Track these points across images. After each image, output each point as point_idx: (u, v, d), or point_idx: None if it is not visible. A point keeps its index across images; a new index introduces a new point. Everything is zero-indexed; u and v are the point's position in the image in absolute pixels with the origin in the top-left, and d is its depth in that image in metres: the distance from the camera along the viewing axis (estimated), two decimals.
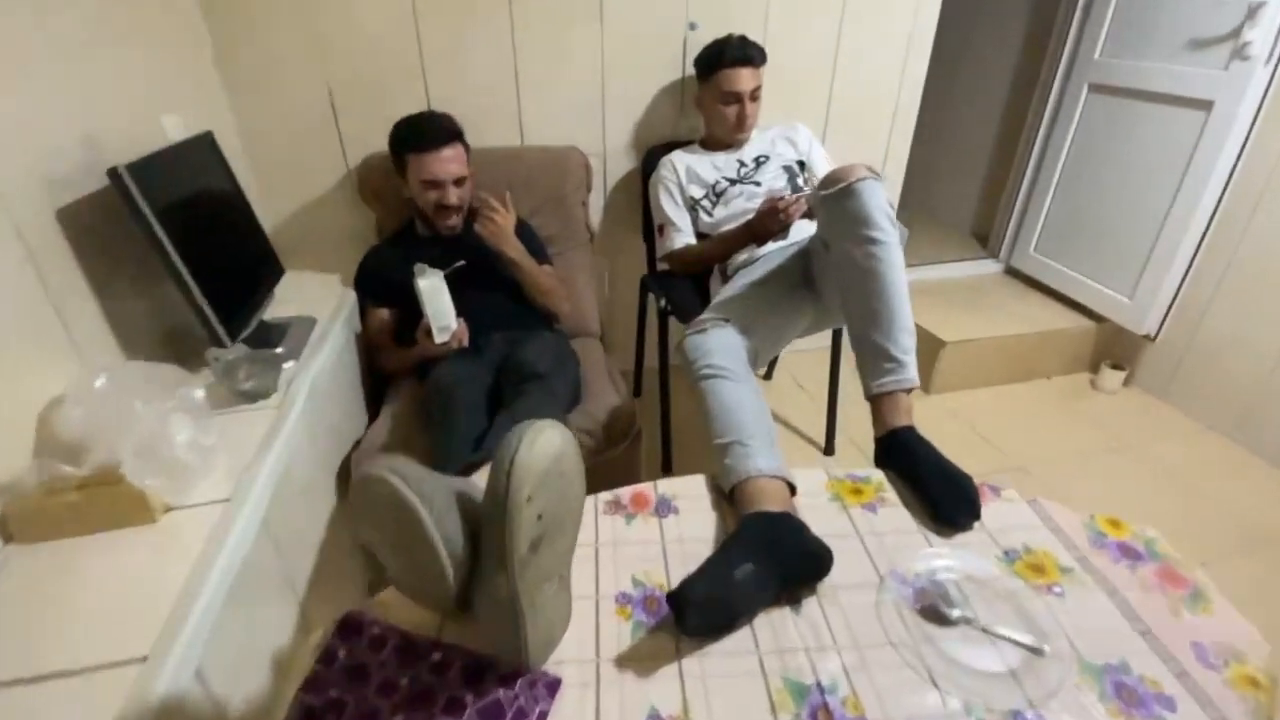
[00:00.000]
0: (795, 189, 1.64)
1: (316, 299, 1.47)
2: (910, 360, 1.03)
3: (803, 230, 1.47)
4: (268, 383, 1.11)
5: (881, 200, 1.07)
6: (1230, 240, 1.83)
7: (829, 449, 1.82)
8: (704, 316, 1.21)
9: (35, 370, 0.90)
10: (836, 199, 1.09)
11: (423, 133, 1.36)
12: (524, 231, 1.54)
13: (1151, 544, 0.88)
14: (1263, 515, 1.61)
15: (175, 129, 1.29)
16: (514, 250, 1.43)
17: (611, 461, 1.33)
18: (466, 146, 1.45)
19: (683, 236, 1.67)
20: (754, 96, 1.60)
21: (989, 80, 2.84)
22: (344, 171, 1.70)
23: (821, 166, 1.72)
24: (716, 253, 1.59)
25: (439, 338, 1.34)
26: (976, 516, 0.90)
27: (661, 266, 1.74)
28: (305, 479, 1.07)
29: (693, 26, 1.74)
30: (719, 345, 1.11)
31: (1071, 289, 2.26)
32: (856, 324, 1.09)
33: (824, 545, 0.81)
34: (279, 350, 1.23)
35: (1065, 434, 1.93)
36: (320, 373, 1.21)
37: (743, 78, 1.57)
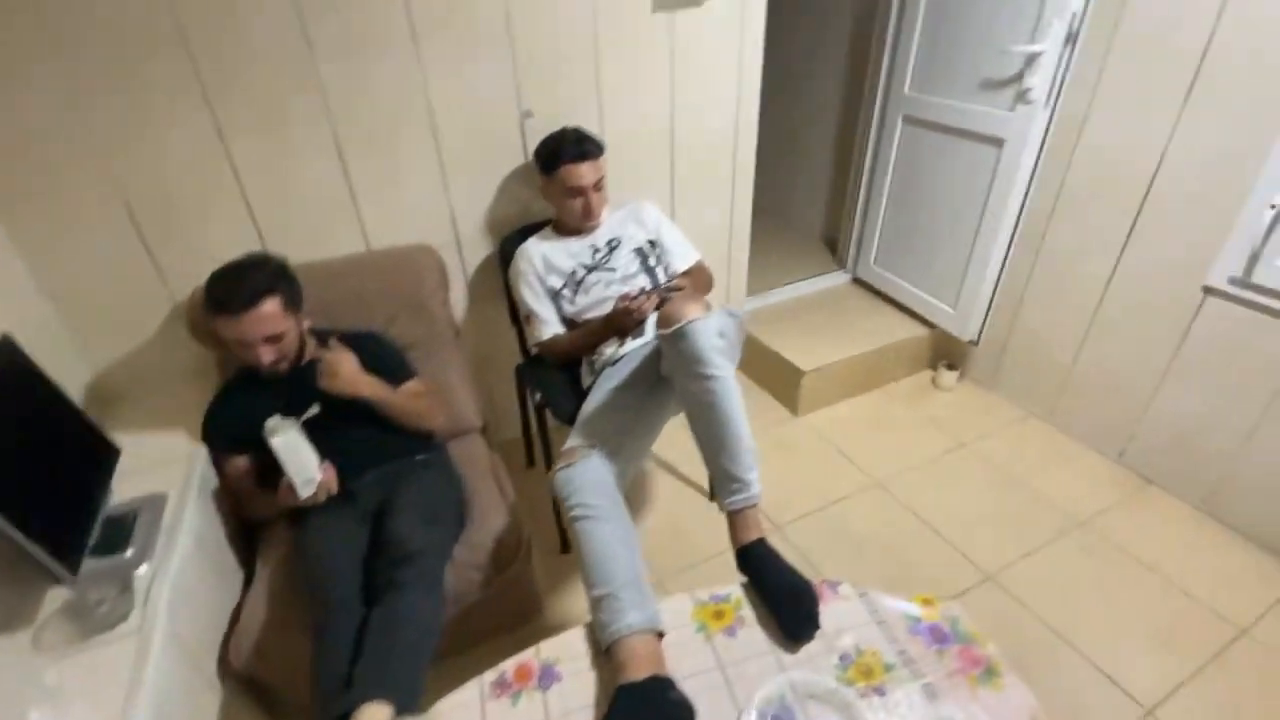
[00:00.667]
0: (648, 270, 1.71)
1: (163, 466, 1.39)
2: (752, 478, 1.15)
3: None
4: (122, 605, 1.06)
5: (711, 338, 1.16)
6: (1029, 255, 2.11)
7: (712, 495, 1.96)
8: (571, 444, 1.27)
9: None
10: (671, 340, 1.17)
11: (224, 298, 1.26)
12: (379, 350, 1.50)
13: (955, 623, 1.06)
14: (1075, 502, 1.91)
15: None
16: (367, 389, 1.39)
17: (504, 585, 1.39)
18: (286, 291, 1.33)
19: (549, 327, 1.71)
20: (598, 187, 1.65)
21: (826, 102, 3.02)
22: (169, 310, 1.57)
23: (672, 241, 1.80)
24: (582, 345, 1.65)
25: (303, 492, 1.29)
26: (817, 626, 1.04)
27: (535, 350, 1.77)
28: (183, 697, 1.05)
29: (528, 115, 1.74)
30: (586, 481, 1.18)
31: (907, 300, 2.51)
32: (703, 449, 1.20)
33: (686, 704, 0.92)
34: (128, 554, 1.16)
35: (914, 439, 2.18)
36: (181, 569, 1.16)
37: (582, 173, 1.60)
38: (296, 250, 1.52)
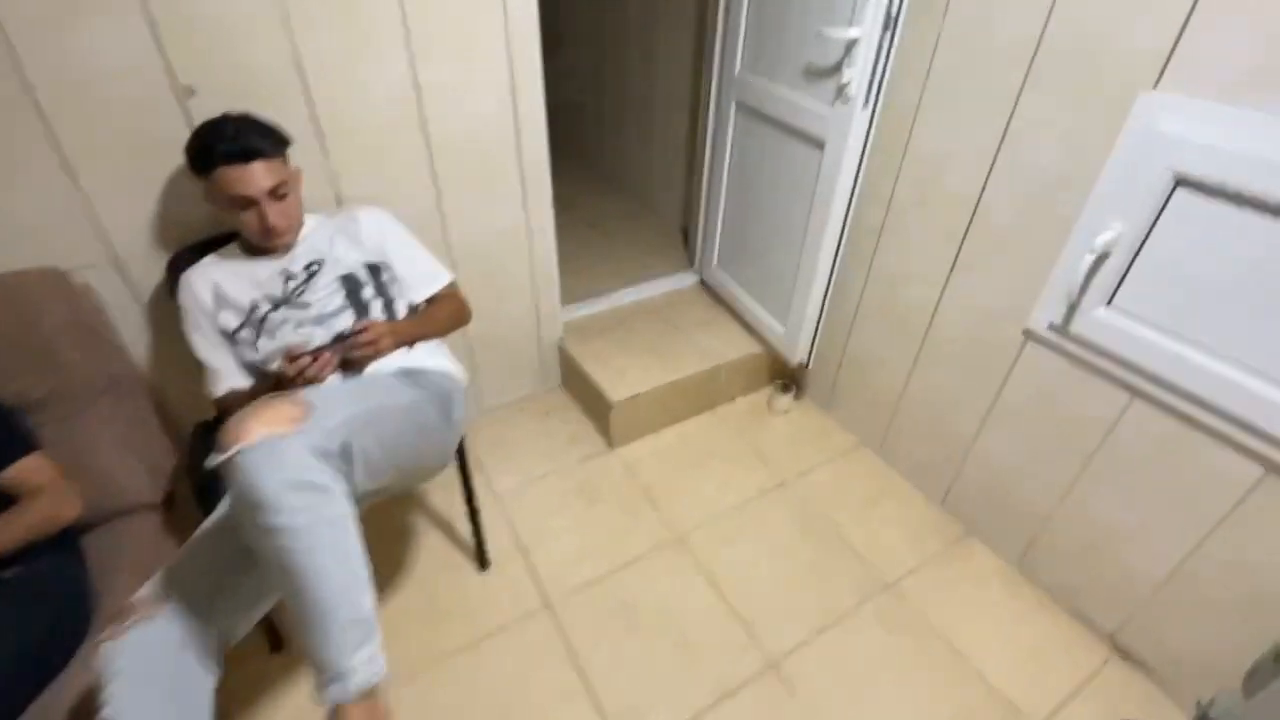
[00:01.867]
0: (357, 305, 1.33)
1: None
2: (354, 663, 0.83)
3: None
4: None
5: (283, 472, 0.81)
6: (860, 271, 1.85)
7: (483, 562, 1.65)
8: (140, 594, 0.91)
9: None
10: (226, 473, 0.82)
11: None
12: None
13: None
14: (887, 556, 1.71)
15: None
16: None
17: None
18: None
19: (224, 380, 1.31)
20: (278, 194, 1.23)
21: (679, 69, 2.64)
22: None
23: (405, 261, 1.42)
24: None
25: None
26: None
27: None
28: None
29: (190, 92, 1.30)
30: (129, 666, 0.83)
31: (742, 310, 2.23)
32: (294, 626, 0.86)
33: None
34: None
35: (732, 477, 1.93)
36: None
37: (248, 178, 1.19)
38: None
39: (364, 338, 1.20)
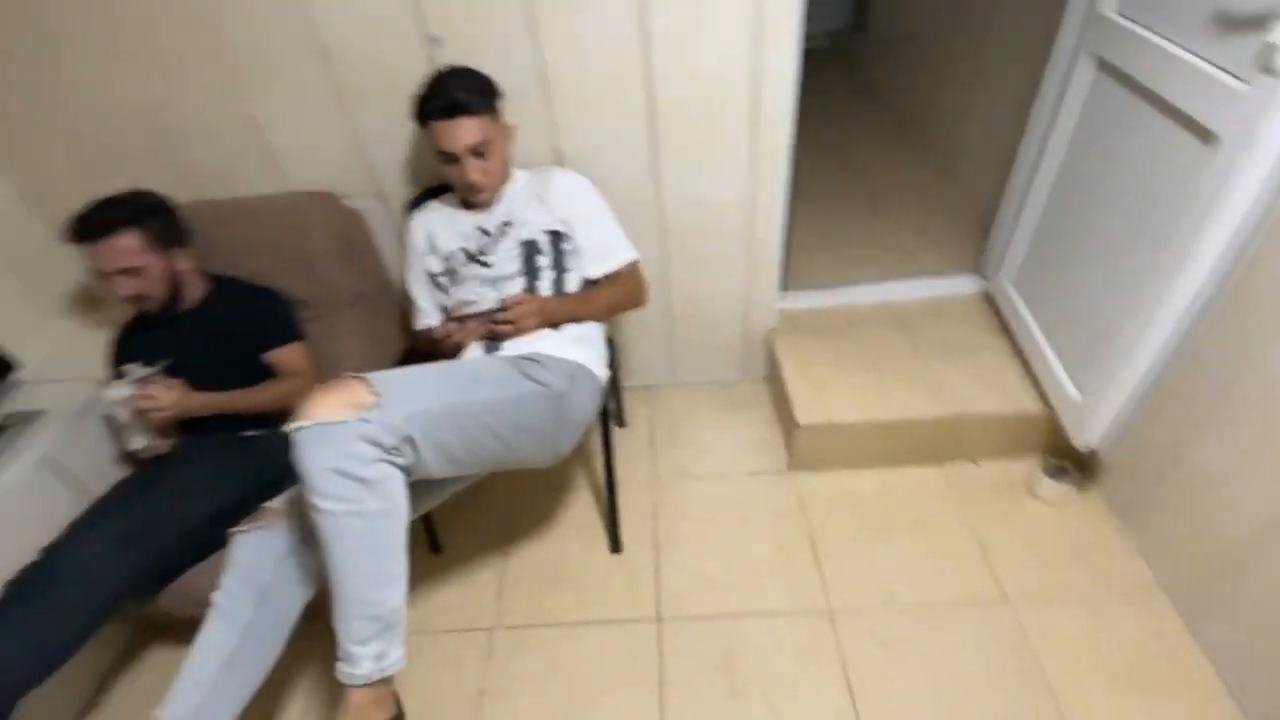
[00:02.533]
0: (530, 272, 1.31)
1: (67, 386, 1.52)
2: (363, 653, 0.84)
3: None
4: None
5: (328, 458, 0.82)
6: (1234, 347, 1.16)
7: (615, 545, 1.60)
8: (273, 503, 1.06)
9: None
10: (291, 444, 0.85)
11: (77, 225, 1.25)
12: (267, 308, 1.45)
13: None
14: None
15: None
16: (208, 406, 1.34)
17: None
18: (152, 227, 1.30)
19: (423, 317, 1.45)
20: (482, 152, 1.25)
21: (1024, 21, 1.95)
22: None
23: (588, 233, 1.34)
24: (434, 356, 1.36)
25: (133, 446, 1.34)
26: None
27: None
28: None
29: (436, 42, 1.36)
30: (245, 562, 0.98)
31: (1027, 348, 1.64)
32: None
33: None
34: None
35: (931, 563, 1.49)
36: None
37: (455, 133, 1.22)
38: (202, 184, 1.51)
39: (505, 315, 1.16)
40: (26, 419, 1.43)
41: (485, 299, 1.30)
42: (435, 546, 1.65)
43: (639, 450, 1.85)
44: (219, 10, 1.33)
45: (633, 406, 1.98)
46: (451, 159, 1.25)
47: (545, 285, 1.30)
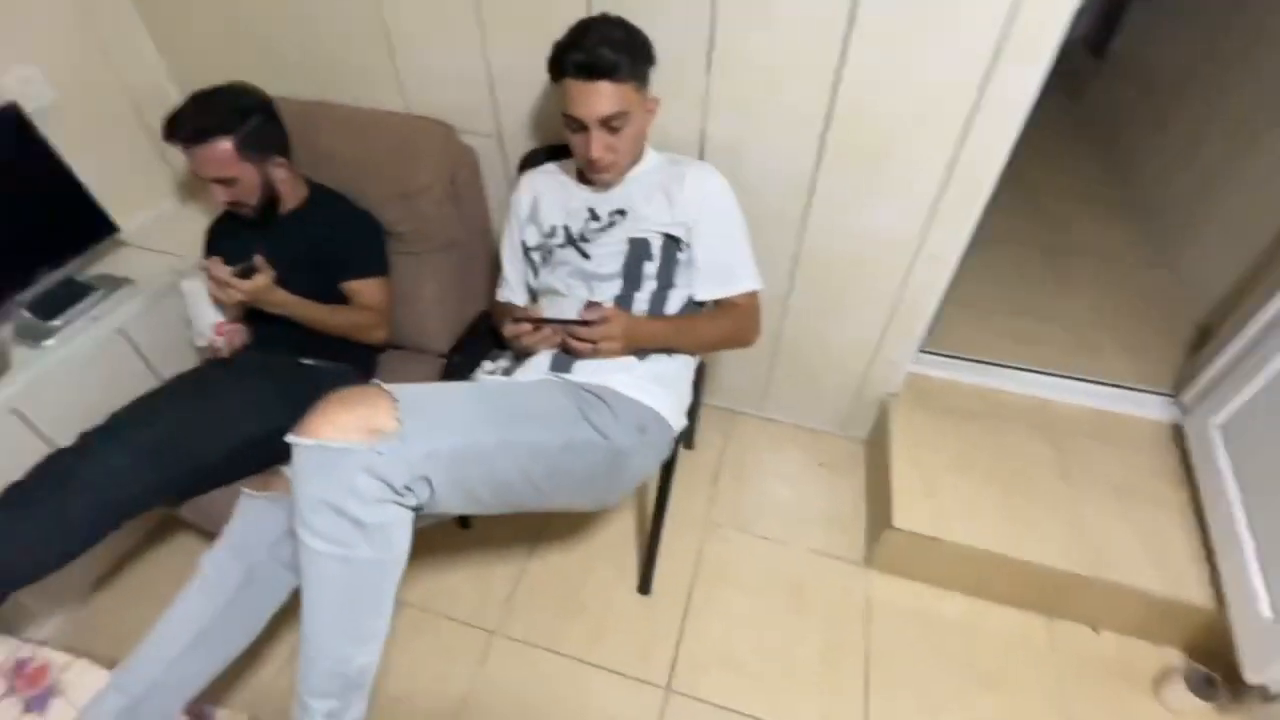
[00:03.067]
0: (630, 278, 1.11)
1: (159, 259, 1.51)
2: (316, 707, 0.74)
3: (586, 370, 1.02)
4: None
5: (324, 489, 0.69)
6: None
7: (644, 586, 1.44)
8: (288, 469, 0.95)
9: None
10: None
11: (172, 126, 1.17)
12: (351, 235, 1.36)
13: None
14: None
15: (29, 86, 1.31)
16: (283, 306, 1.27)
17: None
18: (246, 134, 1.21)
19: (507, 290, 1.30)
20: (613, 126, 1.04)
21: None
22: None
23: (709, 249, 1.12)
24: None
25: (197, 342, 1.32)
26: None
27: None
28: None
29: None
30: (246, 530, 0.89)
31: (1215, 519, 1.27)
32: None
33: None
34: (55, 321, 1.31)
35: None
36: (75, 355, 1.28)
37: (589, 98, 1.01)
38: (327, 83, 1.44)
39: (585, 331, 0.97)
40: (114, 284, 1.42)
41: (573, 296, 1.12)
42: (465, 520, 1.55)
43: (699, 483, 1.65)
44: None
45: (706, 429, 1.77)
46: (578, 126, 1.05)
47: (643, 299, 1.10)
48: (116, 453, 1.05)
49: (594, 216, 1.15)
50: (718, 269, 1.12)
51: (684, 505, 1.59)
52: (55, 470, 1.03)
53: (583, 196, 1.17)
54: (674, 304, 1.12)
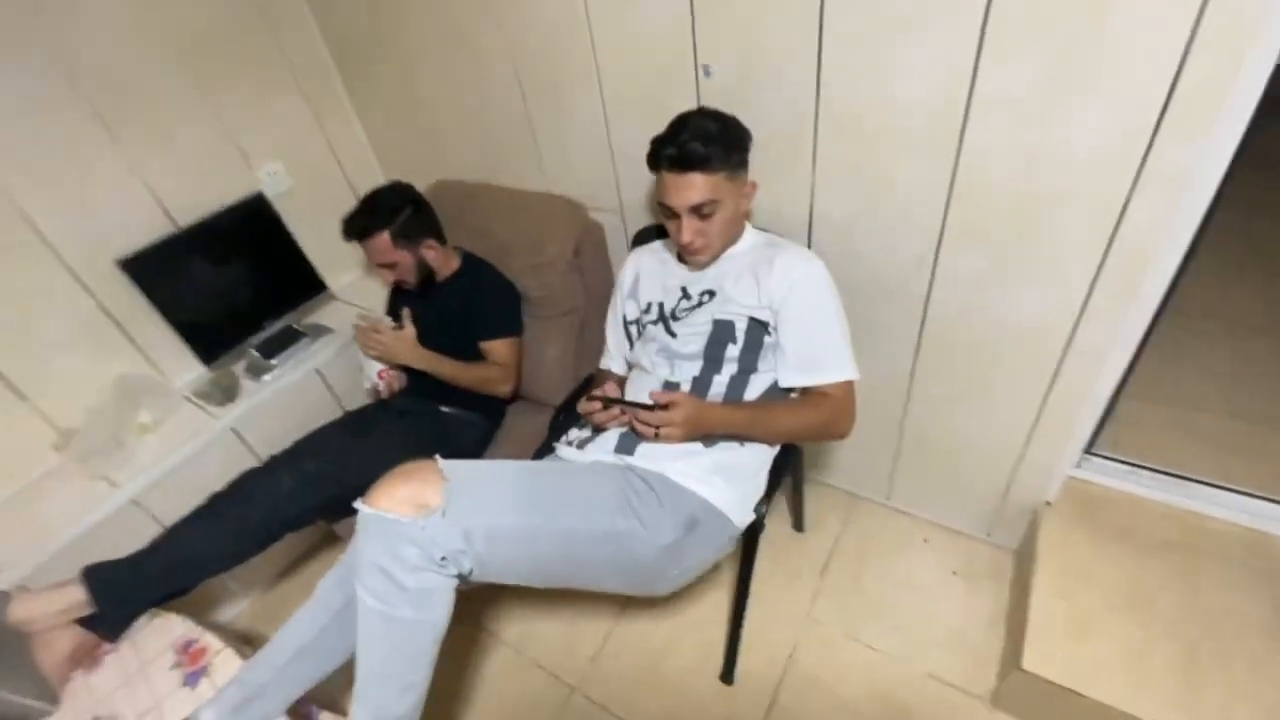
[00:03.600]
0: (711, 360, 1.10)
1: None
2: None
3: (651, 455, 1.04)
4: (220, 393, 1.57)
5: (377, 552, 0.78)
6: None
7: (727, 675, 1.37)
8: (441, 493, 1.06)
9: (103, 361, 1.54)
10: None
11: (344, 226, 1.43)
12: (489, 301, 1.54)
13: None
14: None
15: (274, 177, 1.72)
16: (419, 361, 1.47)
17: None
18: (400, 225, 1.42)
19: (607, 359, 1.37)
20: (704, 213, 1.07)
21: None
22: None
23: (797, 335, 1.07)
24: None
25: (365, 386, 1.57)
26: None
27: None
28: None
29: (707, 72, 1.18)
30: (353, 561, 1.03)
31: None
32: None
33: None
34: (273, 361, 1.66)
35: None
36: (282, 391, 1.62)
37: (678, 189, 1.06)
38: (487, 167, 1.67)
39: (649, 418, 0.98)
40: (319, 332, 1.76)
41: (655, 373, 1.14)
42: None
43: (805, 572, 1.54)
44: (519, 14, 1.34)
45: (822, 509, 1.65)
46: (671, 213, 1.09)
47: (721, 381, 1.08)
48: (287, 478, 1.29)
49: (685, 295, 1.17)
50: (804, 356, 1.06)
51: (784, 595, 1.49)
52: (243, 488, 1.30)
53: (679, 275, 1.20)
54: (755, 389, 1.08)
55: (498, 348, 1.53)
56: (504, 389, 1.54)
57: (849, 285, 1.25)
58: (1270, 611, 1.12)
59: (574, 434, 1.14)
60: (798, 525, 1.63)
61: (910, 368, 1.33)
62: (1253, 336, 1.72)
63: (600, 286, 1.65)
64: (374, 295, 1.84)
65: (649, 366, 1.16)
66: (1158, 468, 1.34)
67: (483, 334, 1.53)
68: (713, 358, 1.09)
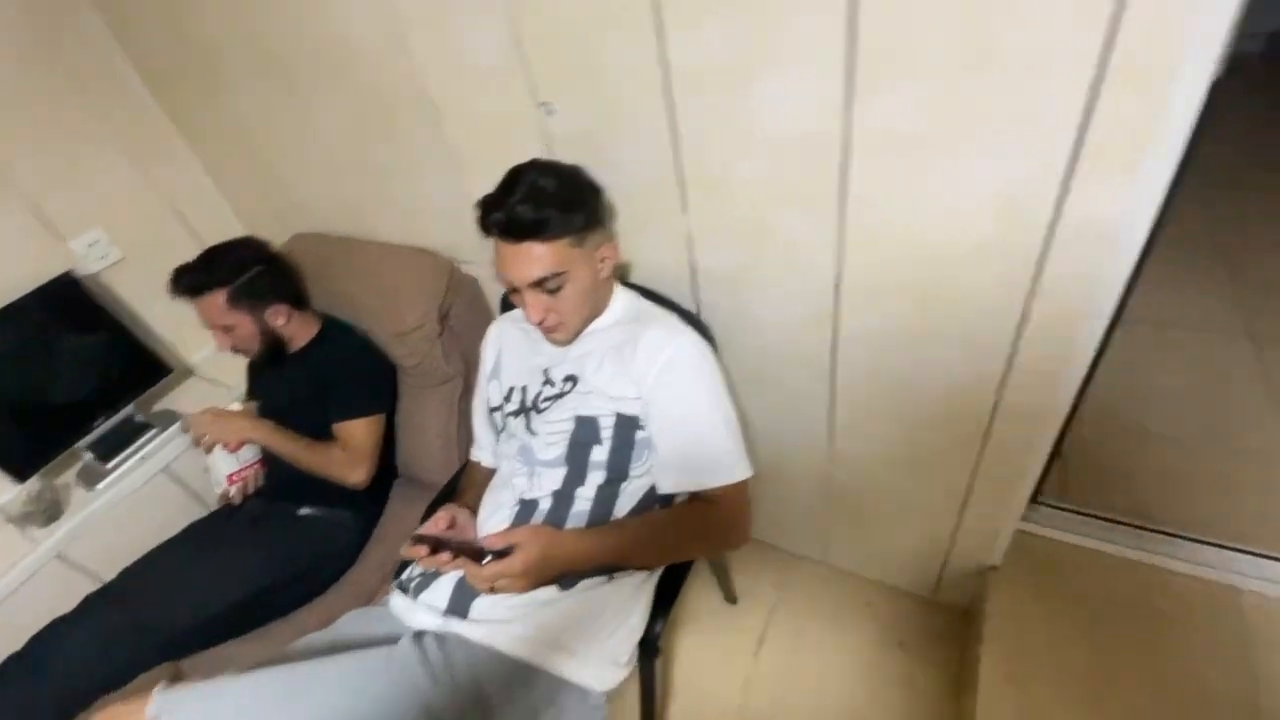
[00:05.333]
0: (575, 465, 0.90)
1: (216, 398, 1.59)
2: None
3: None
4: (42, 513, 1.33)
5: None
6: None
7: None
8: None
9: None
10: None
11: (172, 279, 1.24)
12: (341, 374, 1.32)
13: None
14: None
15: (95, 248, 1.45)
16: (255, 433, 1.27)
17: None
18: (240, 286, 1.24)
19: (477, 449, 1.16)
20: (549, 287, 0.87)
21: None
22: None
23: (676, 433, 0.88)
24: None
25: (216, 491, 1.34)
26: None
27: None
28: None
29: (548, 111, 0.98)
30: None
31: None
32: None
33: None
34: (109, 465, 1.42)
35: None
36: (117, 499, 1.38)
37: (515, 261, 0.86)
38: (345, 219, 1.44)
39: (480, 573, 0.76)
40: (169, 420, 1.51)
41: (510, 487, 0.94)
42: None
43: (739, 652, 1.37)
44: (351, 56, 1.11)
45: (757, 572, 1.48)
46: (512, 288, 0.89)
47: (586, 496, 0.88)
48: (92, 634, 1.07)
49: (548, 381, 0.97)
50: (683, 457, 0.87)
51: (716, 683, 1.32)
52: (38, 649, 1.07)
53: (543, 355, 1.00)
54: (627, 501, 0.89)
55: (348, 429, 1.30)
56: (353, 476, 1.29)
57: (748, 345, 1.09)
58: (1248, 683, 0.98)
59: (408, 573, 0.93)
60: (729, 596, 1.45)
61: (827, 428, 1.16)
62: (1229, 339, 1.58)
63: (477, 352, 1.45)
64: (243, 369, 1.60)
65: (508, 474, 0.96)
66: (1111, 517, 1.19)
67: (332, 413, 1.30)
68: (576, 464, 0.89)
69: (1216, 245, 1.85)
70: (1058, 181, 0.70)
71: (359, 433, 1.31)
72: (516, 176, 0.86)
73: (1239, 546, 1.11)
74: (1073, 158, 0.68)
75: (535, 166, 0.87)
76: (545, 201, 0.83)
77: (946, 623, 1.33)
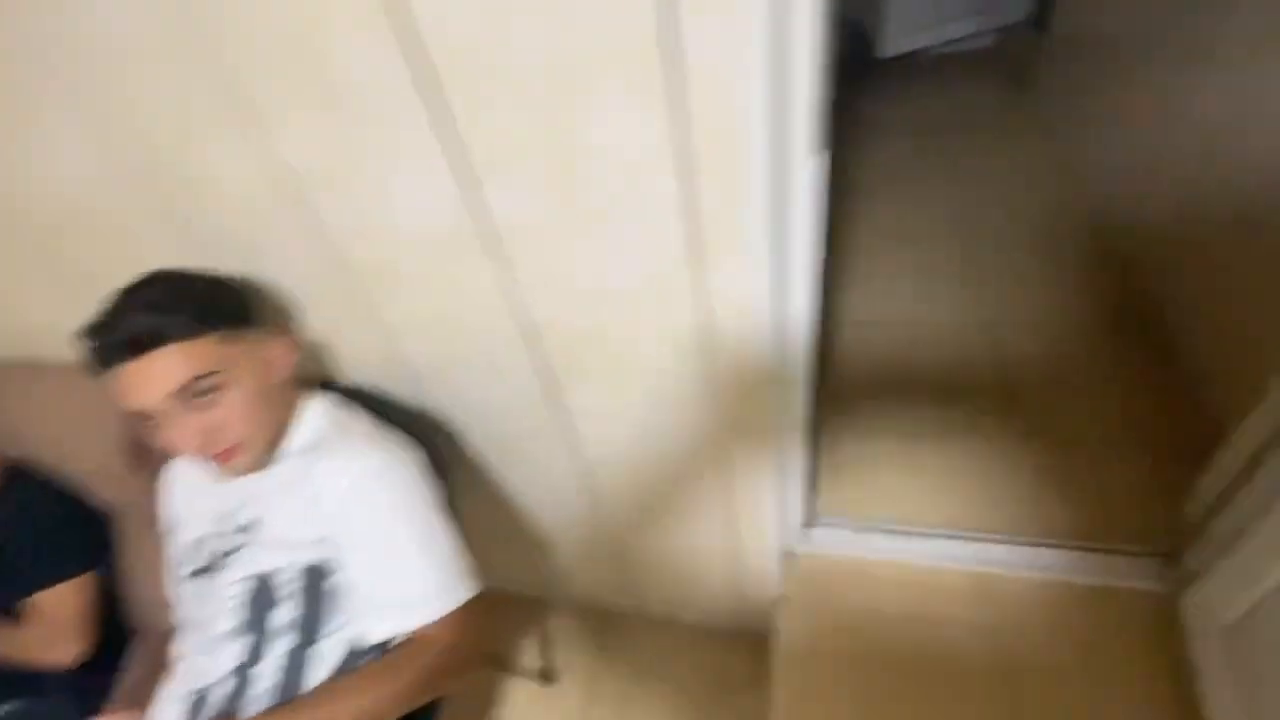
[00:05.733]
0: (256, 627, 0.76)
1: None
2: None
3: None
4: None
5: None
6: None
7: None
8: None
9: None
10: None
11: None
12: (38, 526, 1.08)
13: None
14: None
15: None
16: None
17: None
18: None
19: (173, 610, 0.97)
20: (201, 389, 0.72)
21: None
22: None
23: (369, 568, 0.77)
24: None
25: None
26: None
27: None
28: None
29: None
30: None
31: None
32: None
33: None
34: None
35: None
36: None
37: (142, 378, 0.70)
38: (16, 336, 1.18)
39: None
40: None
41: (187, 667, 0.79)
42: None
43: None
44: None
45: (573, 643, 1.40)
46: (141, 420, 0.73)
47: (272, 665, 0.75)
48: None
49: (238, 527, 0.82)
50: (385, 596, 0.76)
51: None
52: None
53: (221, 495, 0.84)
54: (327, 662, 0.76)
55: (40, 602, 1.06)
56: (56, 656, 1.05)
57: (485, 430, 1.00)
58: (1002, 690, 1.02)
59: None
60: (546, 676, 1.36)
61: (589, 483, 1.10)
62: (965, 329, 1.66)
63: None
64: None
65: (185, 652, 0.80)
66: (884, 525, 1.22)
67: (16, 586, 1.06)
68: (260, 632, 0.76)
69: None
70: (684, 267, 0.68)
71: (53, 603, 1.08)
72: (124, 294, 0.72)
73: (984, 536, 1.18)
74: (691, 242, 0.66)
75: (151, 281, 0.74)
76: (165, 307, 0.70)
77: (764, 662, 1.32)
